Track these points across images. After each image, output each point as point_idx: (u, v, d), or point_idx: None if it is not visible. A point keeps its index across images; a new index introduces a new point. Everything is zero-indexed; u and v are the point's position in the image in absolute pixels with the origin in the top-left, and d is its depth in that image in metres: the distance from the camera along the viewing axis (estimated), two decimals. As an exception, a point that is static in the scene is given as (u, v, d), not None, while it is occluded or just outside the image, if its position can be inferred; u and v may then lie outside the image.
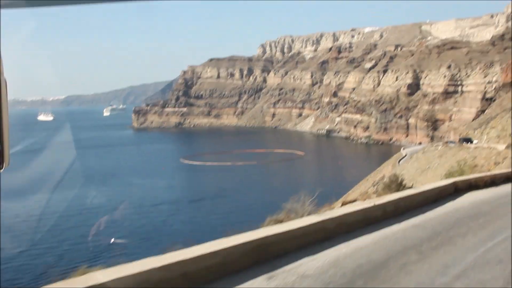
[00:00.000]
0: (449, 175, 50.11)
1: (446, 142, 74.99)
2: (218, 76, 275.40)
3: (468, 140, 63.67)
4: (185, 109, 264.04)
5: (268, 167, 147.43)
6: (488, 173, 21.30)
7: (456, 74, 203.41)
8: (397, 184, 19.01)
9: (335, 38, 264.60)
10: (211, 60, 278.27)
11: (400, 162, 70.32)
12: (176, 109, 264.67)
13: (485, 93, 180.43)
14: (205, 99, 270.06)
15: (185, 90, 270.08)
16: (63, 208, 62.91)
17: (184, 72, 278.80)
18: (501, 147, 46.77)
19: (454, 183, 17.58)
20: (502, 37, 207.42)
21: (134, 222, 68.17)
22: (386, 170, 69.98)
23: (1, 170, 2.36)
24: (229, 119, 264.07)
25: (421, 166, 59.45)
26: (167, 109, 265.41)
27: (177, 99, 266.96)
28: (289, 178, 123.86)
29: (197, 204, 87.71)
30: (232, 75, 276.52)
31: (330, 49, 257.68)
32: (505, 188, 18.39)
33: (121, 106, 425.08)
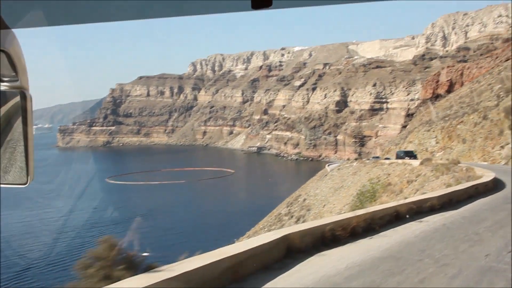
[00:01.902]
0: (360, 195, 44.65)
1: (371, 158, 70.46)
2: (148, 94, 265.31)
3: (411, 154, 52.32)
4: (113, 128, 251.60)
5: (197, 186, 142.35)
6: (385, 205, 14.54)
7: (381, 92, 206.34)
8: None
9: (266, 56, 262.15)
10: (140, 78, 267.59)
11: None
12: (104, 127, 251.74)
13: (408, 109, 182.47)
14: (134, 118, 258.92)
15: (114, 108, 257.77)
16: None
17: (113, 90, 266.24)
18: (416, 162, 41.53)
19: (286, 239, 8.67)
20: (422, 57, 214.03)
21: (42, 247, 60.22)
22: (310, 187, 64.42)
23: (27, 185, 2.39)
24: (159, 138, 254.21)
25: (335, 185, 53.82)
26: (95, 128, 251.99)
27: (105, 117, 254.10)
28: (216, 196, 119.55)
29: (118, 226, 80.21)
30: (162, 93, 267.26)
31: (261, 67, 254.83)
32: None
33: (47, 125, 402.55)
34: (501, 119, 44.66)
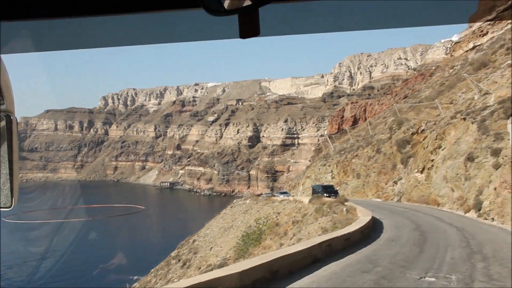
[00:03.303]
0: (246, 236, 39.12)
1: (260, 195, 65.63)
2: (56, 128, 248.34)
3: (331, 190, 41.71)
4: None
5: (104, 223, 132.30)
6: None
7: (293, 127, 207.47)
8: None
9: (179, 91, 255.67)
10: (47, 111, 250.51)
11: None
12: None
13: (318, 145, 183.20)
14: (40, 152, 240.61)
15: (18, 143, 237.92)
16: None
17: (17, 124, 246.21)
18: (306, 199, 36.77)
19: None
20: (331, 94, 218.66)
21: None
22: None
23: (10, 208, 2.36)
24: (67, 173, 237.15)
25: (226, 224, 48.07)
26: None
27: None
28: (121, 235, 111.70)
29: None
30: (71, 127, 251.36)
31: (174, 102, 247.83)
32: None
33: None
34: (393, 152, 41.31)
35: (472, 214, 25.82)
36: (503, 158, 22.02)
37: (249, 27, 1.68)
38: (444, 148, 32.55)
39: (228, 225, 47.80)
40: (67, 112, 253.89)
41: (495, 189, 23.24)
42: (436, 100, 41.94)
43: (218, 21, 1.72)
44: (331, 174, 50.58)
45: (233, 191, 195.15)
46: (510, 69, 32.55)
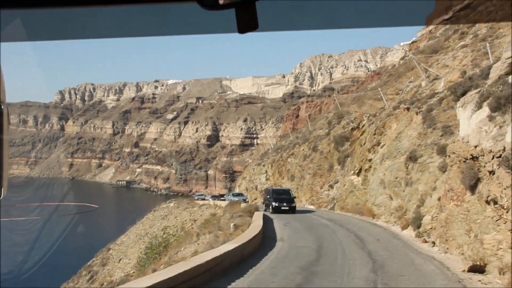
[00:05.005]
0: (149, 249, 31.36)
1: (195, 196, 58.24)
2: (8, 123, 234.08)
3: (284, 199, 28.10)
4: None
5: (53, 222, 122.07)
6: None
7: (252, 127, 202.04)
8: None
9: (139, 88, 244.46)
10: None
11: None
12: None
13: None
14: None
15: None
16: None
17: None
18: (224, 203, 29.22)
19: None
20: (291, 94, 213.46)
21: None
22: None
23: (0, 197, 2.34)
24: (19, 170, 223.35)
25: (142, 231, 40.30)
26: None
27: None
28: (68, 235, 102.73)
29: None
30: (25, 121, 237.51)
31: (133, 99, 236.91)
32: None
33: None
34: (331, 151, 34.27)
35: (410, 232, 18.89)
36: (449, 156, 15.04)
37: (247, 22, 1.60)
38: (384, 145, 25.65)
39: (145, 232, 40.02)
40: (21, 106, 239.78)
41: (439, 199, 16.30)
42: (379, 89, 35.29)
43: (215, 15, 1.66)
44: (265, 175, 43.38)
45: (190, 191, 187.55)
46: (463, 50, 26.03)
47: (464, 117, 14.91)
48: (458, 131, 15.79)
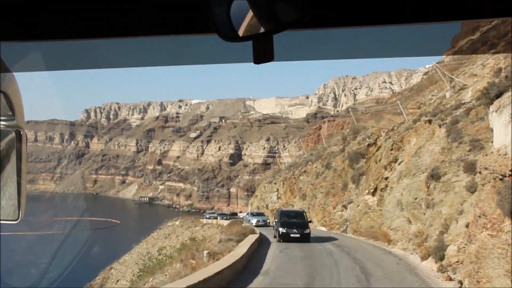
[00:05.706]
0: (142, 271, 28.32)
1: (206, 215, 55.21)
2: (36, 140, 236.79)
3: (294, 224, 24.49)
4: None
5: (76, 237, 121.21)
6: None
7: (275, 146, 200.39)
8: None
9: (163, 107, 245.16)
10: (28, 122, 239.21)
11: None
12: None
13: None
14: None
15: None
16: None
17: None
18: (226, 223, 26.22)
19: None
20: (315, 115, 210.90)
21: None
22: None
23: (17, 221, 2.33)
24: (45, 185, 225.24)
25: (145, 250, 37.48)
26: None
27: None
28: (92, 250, 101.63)
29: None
30: (51, 139, 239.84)
31: (157, 117, 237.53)
32: None
33: None
34: (345, 168, 30.96)
35: (431, 264, 15.47)
36: (480, 173, 11.73)
37: (263, 53, 1.61)
38: (401, 161, 22.30)
39: (146, 251, 37.25)
40: (48, 123, 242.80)
41: (467, 226, 12.94)
42: (398, 102, 31.94)
43: (231, 46, 1.67)
44: (276, 193, 40.19)
45: (212, 208, 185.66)
46: (494, 57, 22.70)
47: (499, 124, 11.68)
48: (492, 142, 12.55)
